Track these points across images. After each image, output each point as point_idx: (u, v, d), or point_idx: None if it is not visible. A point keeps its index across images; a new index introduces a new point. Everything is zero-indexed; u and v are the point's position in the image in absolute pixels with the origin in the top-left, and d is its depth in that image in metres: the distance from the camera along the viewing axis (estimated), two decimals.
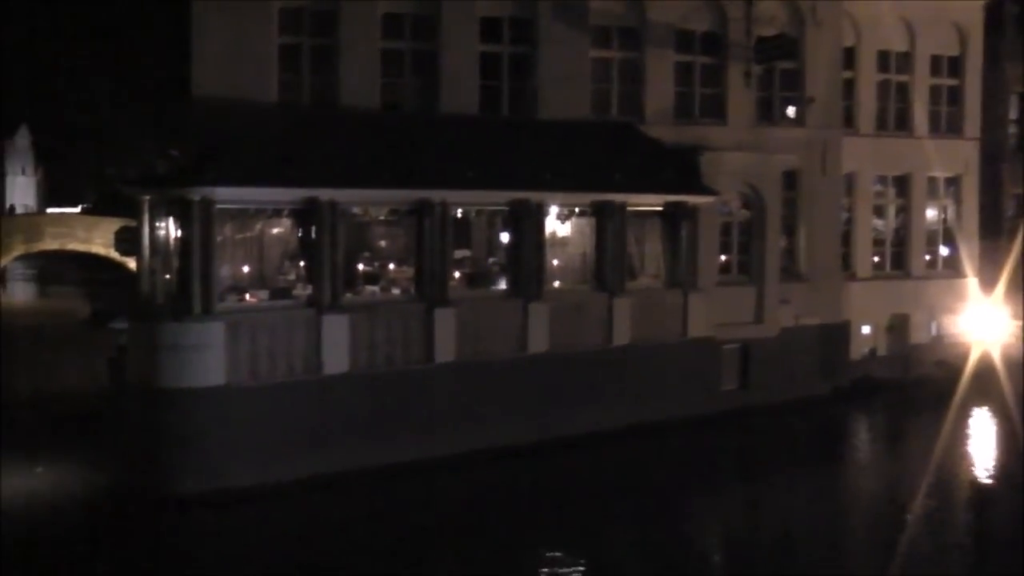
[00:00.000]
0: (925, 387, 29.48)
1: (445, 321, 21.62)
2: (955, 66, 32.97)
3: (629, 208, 24.32)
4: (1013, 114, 38.45)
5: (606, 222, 24.01)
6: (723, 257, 26.92)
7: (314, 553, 16.67)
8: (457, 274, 22.78)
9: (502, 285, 23.28)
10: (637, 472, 22.08)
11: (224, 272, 20.09)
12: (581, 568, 16.44)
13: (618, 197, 23.99)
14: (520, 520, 18.73)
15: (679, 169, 25.39)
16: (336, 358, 20.26)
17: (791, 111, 28.64)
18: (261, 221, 21.00)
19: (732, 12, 27.30)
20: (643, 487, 21.04)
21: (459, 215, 22.57)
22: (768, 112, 28.22)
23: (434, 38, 24.17)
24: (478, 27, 24.69)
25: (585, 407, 23.28)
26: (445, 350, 21.65)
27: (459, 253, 23.17)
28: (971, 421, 26.48)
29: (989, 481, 22.06)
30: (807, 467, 23.29)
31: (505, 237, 23.55)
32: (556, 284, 23.98)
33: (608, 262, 24.10)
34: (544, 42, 25.21)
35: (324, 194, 20.23)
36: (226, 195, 19.41)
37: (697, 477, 22.29)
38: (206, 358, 18.84)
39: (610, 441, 23.08)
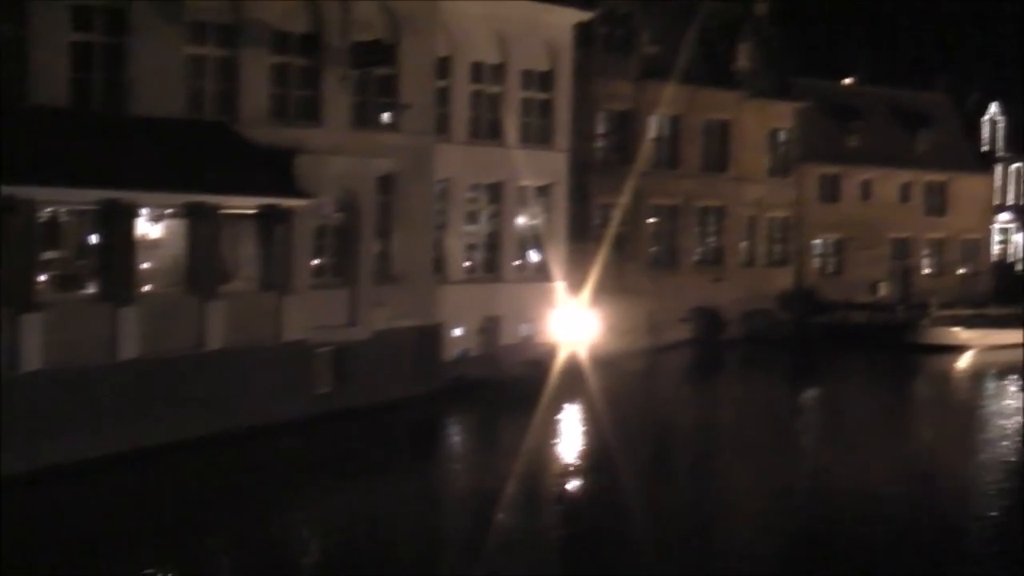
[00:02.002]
0: (517, 386, 33.49)
1: (31, 327, 22.51)
2: (546, 81, 37.82)
3: (223, 210, 26.24)
4: (601, 128, 44.68)
5: (199, 224, 25.81)
6: (318, 260, 29.34)
7: None
8: (44, 277, 23.56)
9: (93, 289, 24.46)
10: (224, 479, 23.65)
11: None
12: None
13: (211, 199, 25.75)
14: (91, 536, 19.54)
15: (274, 171, 27.48)
16: None
17: (387, 117, 31.74)
18: None
19: (329, 15, 29.70)
20: (229, 494, 22.60)
21: (48, 215, 23.50)
22: (365, 117, 31.02)
23: (22, 25, 24.79)
24: (69, 14, 25.55)
25: (176, 414, 24.58)
26: (31, 358, 22.54)
27: (48, 255, 23.92)
28: (559, 417, 30.79)
29: (575, 472, 25.89)
30: (399, 468, 25.67)
31: (95, 238, 24.66)
32: (148, 287, 25.45)
33: (201, 265, 25.96)
34: (138, 34, 26.35)
35: None
36: None
37: (283, 482, 23.88)
38: None
39: (200, 448, 24.49)
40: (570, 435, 30.06)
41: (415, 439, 29.30)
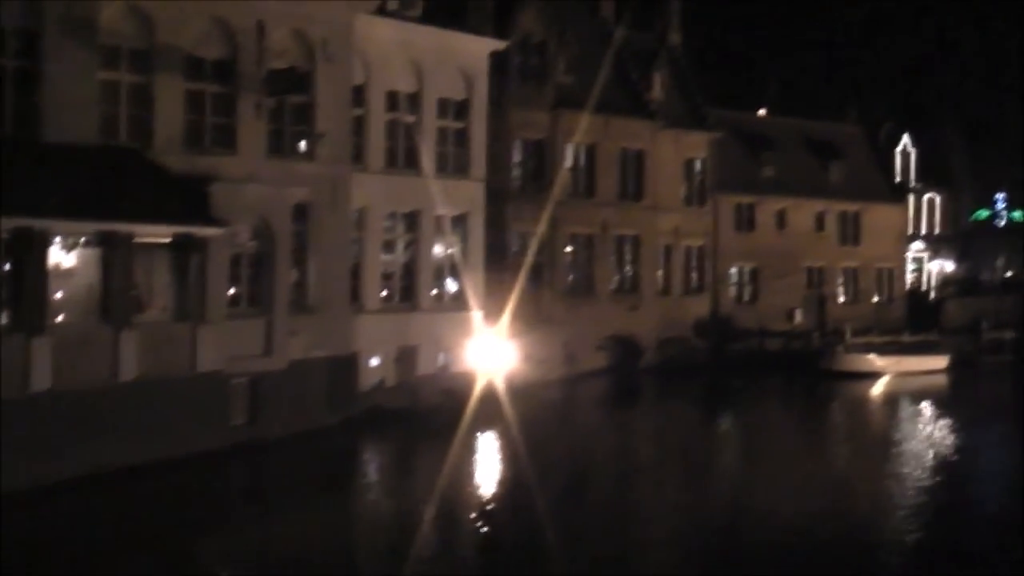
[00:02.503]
0: (433, 416, 34.16)
1: None
2: (462, 109, 38.81)
3: (137, 239, 26.65)
4: (517, 157, 45.71)
5: (113, 253, 26.23)
6: (233, 289, 29.83)
7: None
8: None
9: (4, 319, 24.59)
10: (132, 514, 23.64)
11: None
12: None
13: (125, 227, 26.16)
14: None
15: (189, 199, 27.94)
16: None
17: (303, 145, 32.40)
18: None
19: (244, 41, 30.28)
20: (136, 530, 22.53)
21: None
22: (280, 145, 31.67)
23: None
24: None
25: (88, 447, 24.68)
26: None
27: None
28: (477, 445, 31.57)
29: (489, 503, 26.38)
30: (310, 500, 25.92)
31: (6, 267, 24.72)
32: (61, 317, 25.75)
33: (115, 294, 26.37)
34: (50, 58, 26.75)
35: None
36: None
37: (191, 517, 23.87)
38: None
39: (111, 482, 24.61)
40: (485, 465, 30.77)
41: (328, 471, 29.62)
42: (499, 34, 40.94)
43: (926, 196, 73.07)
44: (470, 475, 28.88)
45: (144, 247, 27.31)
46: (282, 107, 31.66)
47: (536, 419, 34.98)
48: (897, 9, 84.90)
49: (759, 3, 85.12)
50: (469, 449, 30.87)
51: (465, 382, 36.26)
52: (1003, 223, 79.29)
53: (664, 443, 35.54)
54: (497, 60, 41.09)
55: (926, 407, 43.16)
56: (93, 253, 26.51)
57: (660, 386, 47.95)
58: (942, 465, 31.71)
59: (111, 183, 26.89)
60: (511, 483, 28.10)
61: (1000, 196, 78.99)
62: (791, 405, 45.48)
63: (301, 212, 31.70)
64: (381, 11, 34.99)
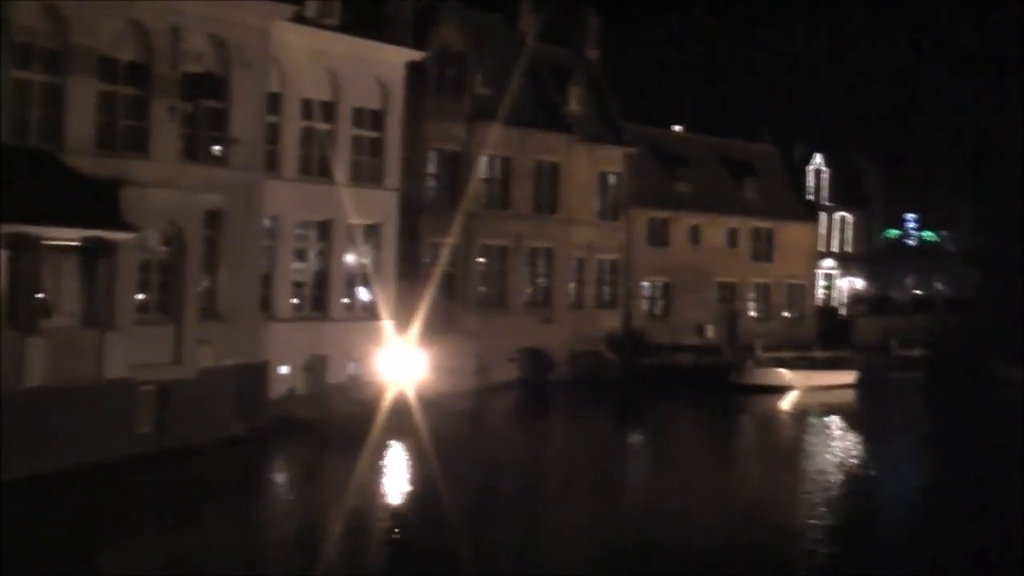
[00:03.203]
0: (344, 425, 34.60)
1: None
2: (377, 119, 39.34)
3: (45, 242, 26.70)
4: (432, 168, 46.32)
5: (20, 256, 26.26)
6: (142, 296, 30.00)
7: None
8: None
9: None
10: (36, 525, 23.51)
11: None
12: None
13: (33, 230, 26.24)
14: None
15: (99, 203, 28.03)
16: None
17: (217, 151, 32.61)
18: None
19: (159, 44, 30.58)
20: (39, 541, 22.44)
21: None
22: (194, 150, 31.84)
23: None
24: None
25: None
26: None
27: None
28: (384, 457, 31.94)
29: (396, 513, 26.91)
30: (215, 510, 26.42)
31: None
32: None
33: (22, 299, 26.39)
34: None
35: None
36: None
37: (93, 528, 24.02)
38: None
39: (12, 492, 24.15)
40: (393, 475, 31.24)
41: (234, 480, 29.79)
42: (417, 44, 41.52)
43: (838, 215, 75.09)
44: (377, 486, 29.26)
45: (53, 250, 27.35)
46: (197, 112, 31.84)
47: (445, 430, 35.43)
48: (815, 34, 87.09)
49: (679, 22, 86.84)
50: (377, 461, 31.27)
51: (375, 392, 36.79)
52: (913, 243, 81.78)
53: (571, 455, 36.35)
54: (415, 70, 41.67)
55: (831, 420, 44.62)
56: (1, 256, 26.41)
57: (571, 399, 48.73)
58: (844, 475, 33.14)
59: (20, 184, 26.80)
60: (418, 496, 28.63)
61: (911, 216, 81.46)
62: (700, 418, 46.52)
63: (213, 218, 31.92)
64: (298, 18, 35.33)
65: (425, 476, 29.91)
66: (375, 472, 30.14)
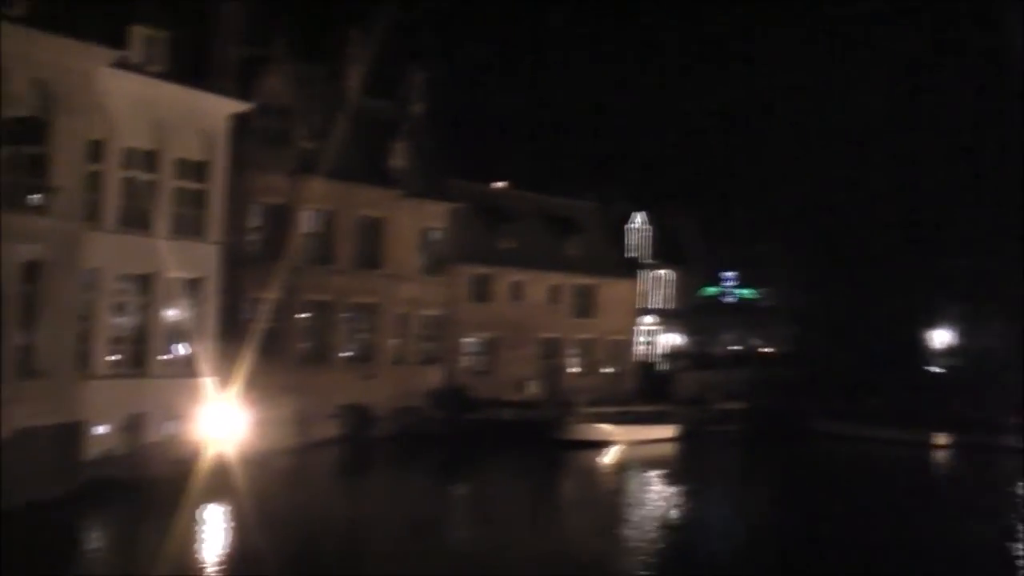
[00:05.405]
0: (162, 487, 34.11)
1: None
2: (201, 170, 39.57)
3: None
4: (255, 221, 46.53)
5: None
6: None
7: None
8: None
9: None
10: None
11: None
12: None
13: None
14: None
15: None
16: None
17: (36, 199, 32.27)
18: None
19: None
20: None
21: None
22: (11, 197, 31.27)
23: None
24: None
25: None
26: None
27: None
28: (201, 519, 31.85)
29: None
30: None
31: None
32: None
33: None
34: None
35: None
36: None
37: None
38: None
39: None
40: (209, 538, 31.09)
41: (45, 546, 28.86)
42: (243, 95, 41.94)
43: (658, 272, 77.86)
44: (191, 551, 29.11)
45: None
46: (15, 157, 31.46)
47: (264, 490, 35.40)
48: (642, 96, 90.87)
49: (505, 79, 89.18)
50: (193, 523, 31.26)
51: (195, 451, 36.70)
52: (732, 299, 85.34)
53: (390, 513, 36.88)
54: (240, 122, 42.05)
55: (650, 474, 46.52)
56: None
57: (393, 455, 49.28)
58: (659, 526, 35.22)
59: None
60: (235, 558, 28.73)
61: (729, 274, 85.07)
62: (522, 474, 47.56)
63: (30, 270, 31.58)
64: (124, 64, 35.44)
65: (242, 540, 30.07)
66: (189, 537, 30.03)
